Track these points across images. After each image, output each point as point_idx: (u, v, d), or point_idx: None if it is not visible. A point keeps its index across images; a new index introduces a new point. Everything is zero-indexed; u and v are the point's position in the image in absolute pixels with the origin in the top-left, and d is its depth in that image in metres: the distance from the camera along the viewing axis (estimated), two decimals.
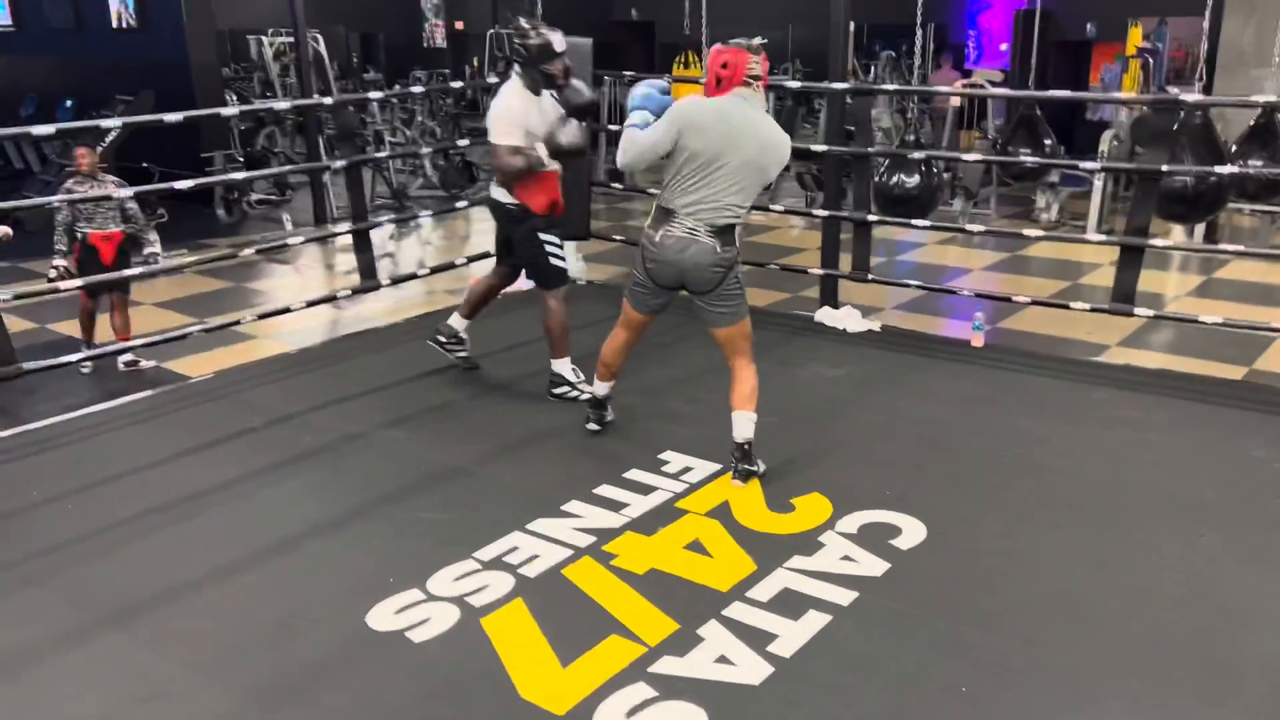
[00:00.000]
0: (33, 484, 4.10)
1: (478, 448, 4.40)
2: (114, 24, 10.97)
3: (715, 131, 3.76)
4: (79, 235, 5.58)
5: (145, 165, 8.54)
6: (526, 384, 5.12)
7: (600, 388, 4.46)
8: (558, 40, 4.57)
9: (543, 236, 4.78)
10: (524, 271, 5.10)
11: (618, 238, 7.59)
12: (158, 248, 5.79)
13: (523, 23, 4.66)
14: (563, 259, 4.89)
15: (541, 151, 4.61)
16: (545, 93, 4.65)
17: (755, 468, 4.04)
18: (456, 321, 5.25)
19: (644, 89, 4.02)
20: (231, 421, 4.69)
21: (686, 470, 4.16)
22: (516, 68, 4.65)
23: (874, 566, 3.42)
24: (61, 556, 3.56)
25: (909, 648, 3.01)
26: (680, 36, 8.15)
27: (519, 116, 4.57)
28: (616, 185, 9.40)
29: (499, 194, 4.76)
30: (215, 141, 10.23)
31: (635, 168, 3.99)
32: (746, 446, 4.02)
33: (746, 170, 3.82)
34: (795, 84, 6.56)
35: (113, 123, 5.16)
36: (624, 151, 3.93)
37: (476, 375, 5.30)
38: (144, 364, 5.72)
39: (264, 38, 15.01)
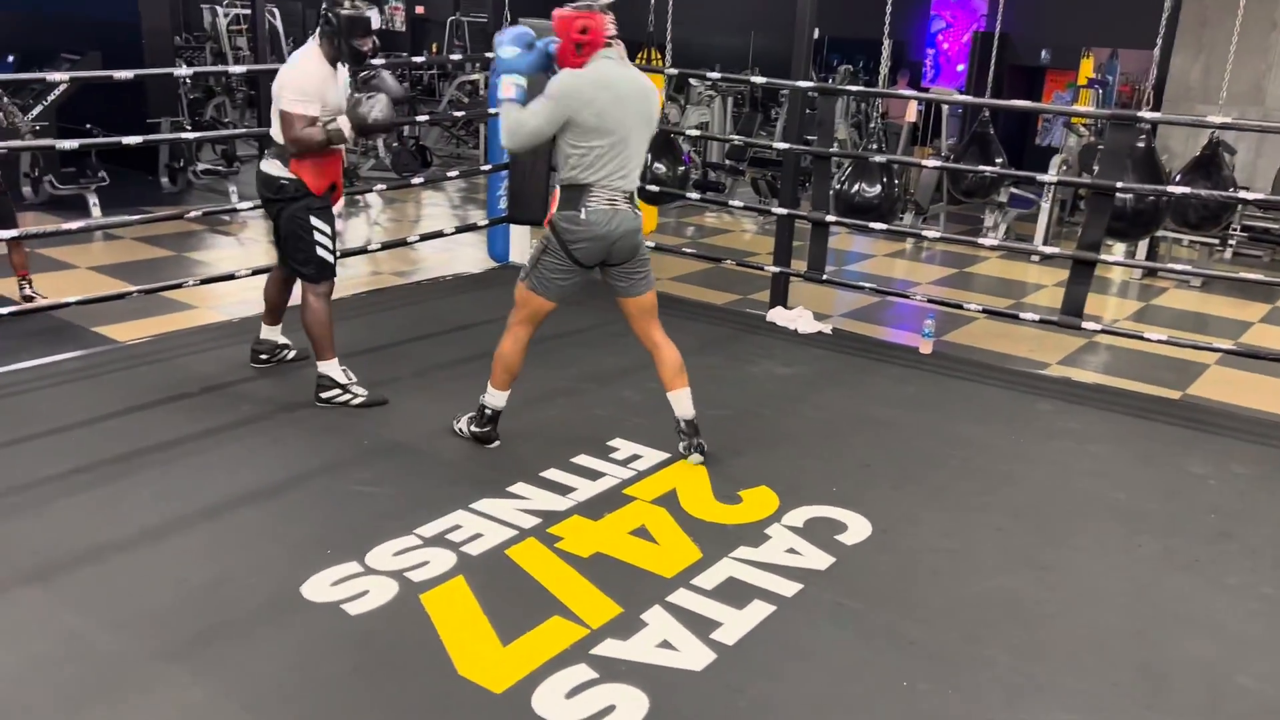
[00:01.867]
0: None
1: (422, 425, 4.32)
2: None
3: (605, 101, 3.67)
4: None
5: (89, 126, 8.26)
6: (473, 365, 5.04)
7: (501, 398, 4.10)
8: (374, 16, 4.25)
9: (314, 221, 4.34)
10: (286, 259, 4.54)
11: None
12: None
13: None
14: (332, 251, 4.43)
15: (344, 125, 4.20)
16: (341, 68, 4.34)
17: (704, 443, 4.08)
18: (267, 333, 4.88)
19: (510, 47, 3.74)
20: (167, 386, 4.55)
21: (635, 458, 4.12)
22: (316, 35, 4.27)
23: (819, 560, 3.42)
24: None
25: (851, 640, 3.00)
26: (642, 35, 8.12)
27: (316, 85, 4.20)
28: None
29: (271, 166, 4.31)
30: (163, 107, 9.95)
31: (521, 150, 3.86)
32: (695, 422, 4.06)
33: (640, 129, 3.81)
34: (760, 79, 6.55)
35: (59, 76, 4.97)
36: (510, 134, 3.70)
37: (420, 352, 5.21)
38: (39, 300, 5.68)
39: (218, 8, 14.68)
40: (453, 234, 7.08)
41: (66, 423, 4.14)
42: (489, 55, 6.60)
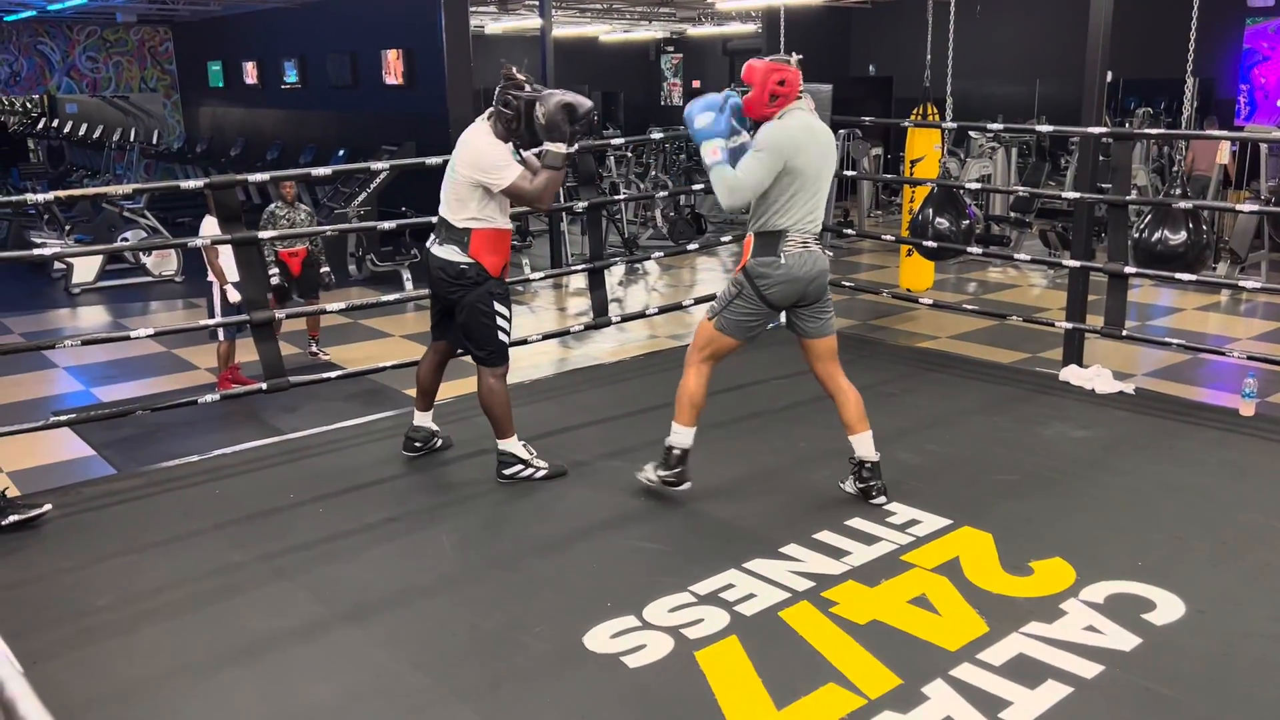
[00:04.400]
0: (290, 488, 4.43)
1: (696, 483, 4.38)
2: (386, 81, 11.97)
3: (812, 150, 3.86)
4: (274, 252, 6.62)
5: (404, 209, 9.19)
6: (747, 423, 5.08)
7: (690, 435, 4.13)
8: (583, 103, 4.13)
9: (496, 306, 4.27)
10: (459, 346, 4.49)
11: (846, 283, 7.46)
12: (327, 268, 6.91)
13: (513, 71, 4.16)
14: (509, 333, 4.38)
15: (553, 147, 4.07)
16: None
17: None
18: (421, 420, 4.74)
19: (704, 114, 3.86)
20: (467, 442, 4.90)
21: (913, 523, 3.97)
22: (491, 115, 4.17)
23: (1122, 640, 3.12)
24: (310, 554, 3.81)
25: None
26: (918, 90, 7.99)
27: (505, 150, 4.13)
28: (849, 231, 9.30)
29: (448, 252, 4.22)
30: None
31: (740, 208, 3.93)
32: (878, 462, 4.14)
33: (829, 174, 3.98)
34: (1046, 128, 6.24)
35: (379, 165, 5.59)
36: (732, 192, 3.80)
37: (702, 413, 5.31)
38: (322, 356, 6.74)
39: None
40: None
41: (382, 476, 4.56)
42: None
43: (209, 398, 4.94)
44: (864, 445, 4.13)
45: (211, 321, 5.64)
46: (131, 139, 15.72)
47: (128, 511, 4.27)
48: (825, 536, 3.85)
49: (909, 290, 7.78)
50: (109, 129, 15.63)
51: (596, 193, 6.72)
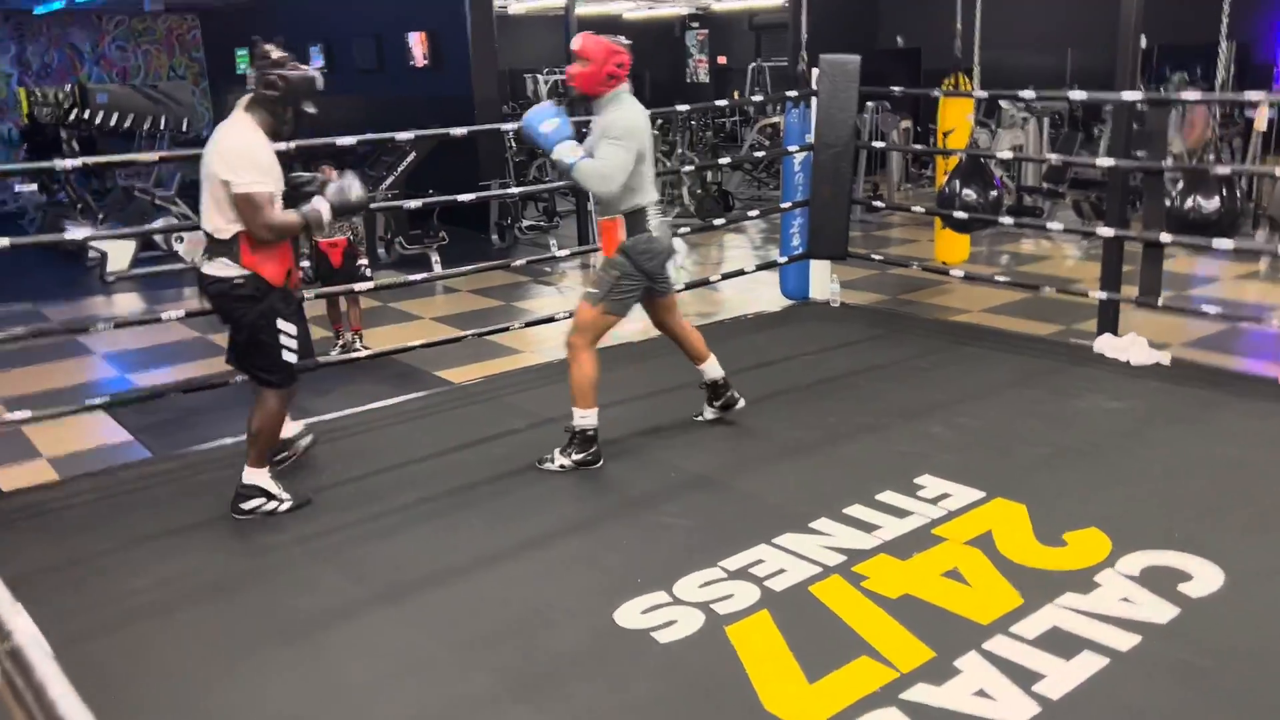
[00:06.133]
0: (323, 470, 4.47)
1: (726, 459, 4.38)
2: (413, 64, 11.97)
3: (647, 129, 4.18)
4: (312, 241, 6.40)
5: (430, 191, 9.21)
6: (775, 399, 5.06)
7: (595, 416, 4.30)
8: (319, 77, 3.83)
9: (280, 324, 3.79)
10: (235, 357, 3.97)
11: (876, 257, 7.40)
12: (365, 260, 6.51)
13: (271, 49, 3.74)
14: (295, 351, 3.89)
15: (322, 208, 3.77)
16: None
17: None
18: (252, 476, 3.99)
19: (550, 121, 4.07)
20: (497, 422, 4.93)
21: (944, 496, 3.94)
22: (246, 106, 3.72)
23: (1159, 611, 3.09)
24: (345, 536, 3.84)
25: (1201, 703, 2.68)
26: (948, 60, 7.87)
27: (270, 160, 3.68)
28: (879, 204, 9.21)
29: (217, 268, 3.70)
30: (492, 171, 10.91)
31: (615, 194, 4.08)
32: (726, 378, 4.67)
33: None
34: (1079, 94, 6.10)
35: (405, 135, 5.62)
36: (607, 179, 4.03)
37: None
38: (362, 352, 6.29)
39: (539, 75, 15.89)
40: (752, 272, 7.18)
41: (413, 456, 4.59)
42: (790, 94, 6.67)
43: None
44: (713, 368, 4.65)
45: None
46: (161, 127, 15.85)
47: (164, 494, 4.33)
48: (855, 511, 3.83)
49: (944, 263, 7.69)
50: (139, 118, 15.79)
51: None
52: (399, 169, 9.82)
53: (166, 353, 6.85)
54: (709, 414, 4.77)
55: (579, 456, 4.29)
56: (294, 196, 3.88)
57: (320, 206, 3.81)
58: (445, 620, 3.24)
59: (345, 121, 13.43)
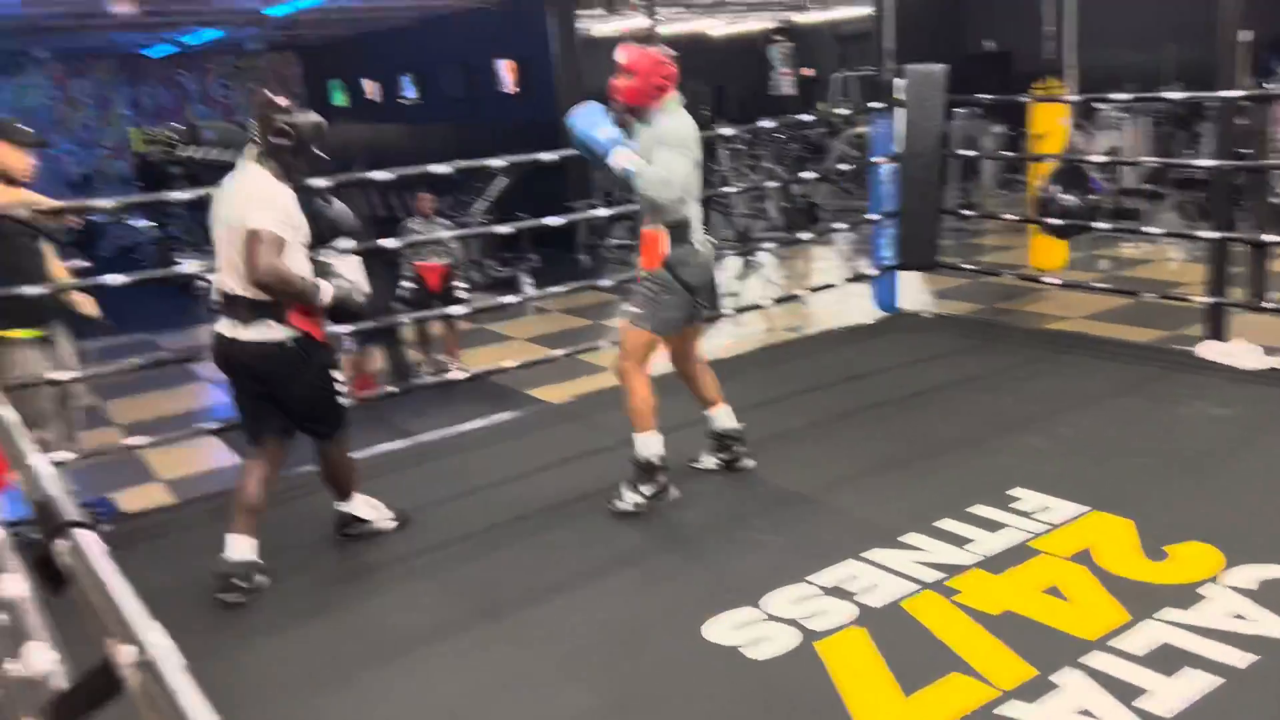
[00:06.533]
0: (420, 490, 4.59)
1: (814, 473, 4.36)
2: (500, 90, 12.25)
3: (698, 139, 3.99)
4: (411, 265, 6.77)
5: (519, 214, 9.40)
6: (866, 414, 5.02)
7: (659, 440, 4.03)
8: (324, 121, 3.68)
9: (335, 375, 3.73)
10: (295, 432, 3.78)
11: (967, 266, 7.27)
12: (464, 285, 6.91)
13: (273, 97, 3.61)
14: (345, 396, 3.84)
15: (326, 290, 3.56)
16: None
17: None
18: (235, 549, 3.67)
19: (602, 128, 3.94)
20: (586, 441, 4.99)
21: (1042, 509, 3.85)
22: (255, 157, 3.53)
23: (1278, 628, 2.97)
24: (443, 554, 3.95)
25: None
26: (1040, 63, 7.72)
27: (291, 211, 3.49)
28: (969, 212, 9.05)
29: (258, 332, 3.47)
30: (578, 193, 11.07)
31: (675, 201, 3.90)
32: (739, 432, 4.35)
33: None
34: (1175, 94, 5.93)
35: (497, 162, 5.77)
36: (666, 186, 3.84)
37: (812, 404, 5.25)
38: (458, 375, 6.39)
39: None
40: (842, 285, 7.14)
41: (508, 475, 4.68)
42: (875, 105, 6.62)
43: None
44: (726, 418, 4.35)
45: (343, 331, 5.88)
46: None
47: (272, 515, 4.48)
48: (948, 524, 3.77)
49: (1040, 269, 7.52)
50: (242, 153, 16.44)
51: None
52: (489, 193, 10.03)
53: None
54: (708, 463, 4.40)
55: (649, 491, 4.06)
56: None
57: (325, 289, 3.58)
58: (542, 636, 3.31)
59: (438, 149, 13.81)
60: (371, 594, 3.70)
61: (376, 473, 4.83)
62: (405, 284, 6.87)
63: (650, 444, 4.04)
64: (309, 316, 3.56)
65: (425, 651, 3.28)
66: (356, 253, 5.13)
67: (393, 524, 4.11)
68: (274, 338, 3.49)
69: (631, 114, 4.02)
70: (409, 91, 14.77)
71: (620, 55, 3.95)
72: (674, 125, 3.94)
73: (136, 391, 6.79)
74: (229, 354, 3.57)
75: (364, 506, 4.08)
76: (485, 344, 7.49)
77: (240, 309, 3.49)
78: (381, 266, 5.16)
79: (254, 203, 3.41)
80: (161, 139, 16.64)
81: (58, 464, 4.24)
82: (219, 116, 17.37)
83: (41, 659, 0.97)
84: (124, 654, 0.86)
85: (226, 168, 3.73)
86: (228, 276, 3.51)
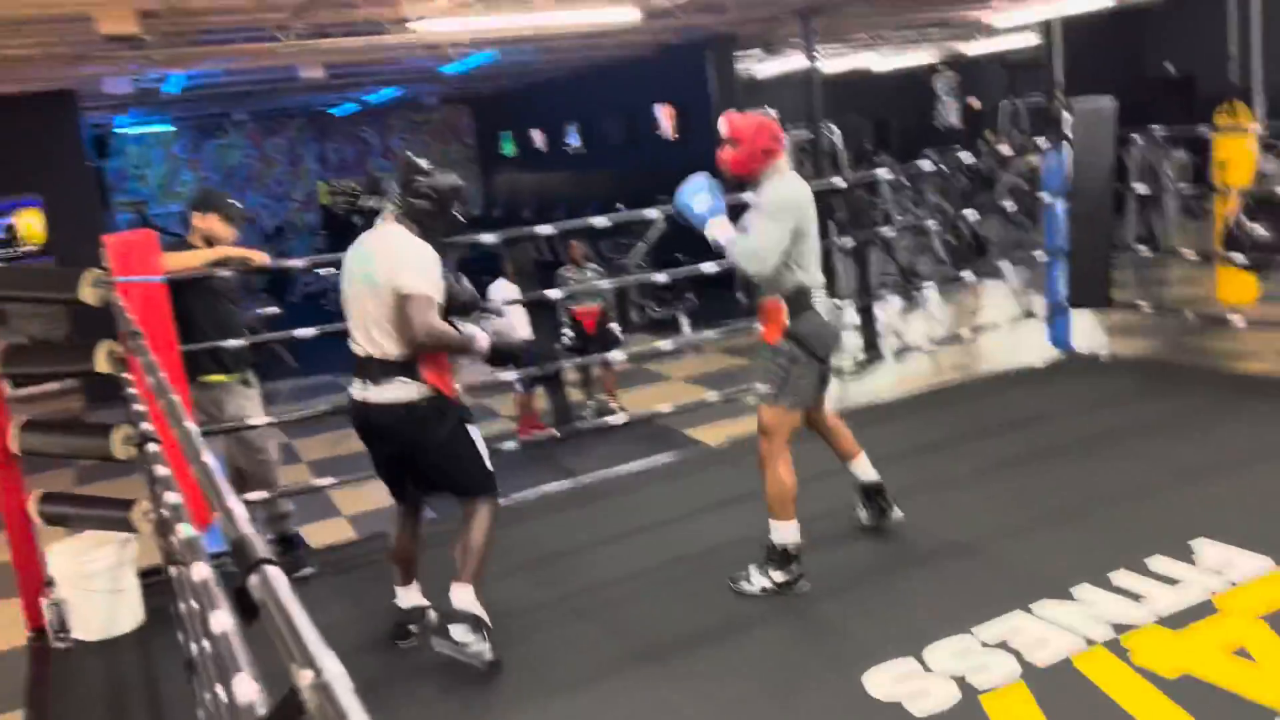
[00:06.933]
0: (582, 529, 4.74)
1: (979, 523, 4.25)
2: (660, 135, 12.52)
3: (811, 206, 3.84)
4: (568, 312, 7.05)
5: (677, 255, 9.56)
6: (1033, 464, 4.85)
7: (797, 529, 3.85)
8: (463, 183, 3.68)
9: (472, 431, 3.60)
10: (435, 493, 3.74)
11: (1142, 304, 6.92)
12: (618, 328, 7.18)
13: (415, 159, 3.61)
14: (488, 457, 3.70)
15: (481, 340, 3.58)
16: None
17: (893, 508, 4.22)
18: (409, 598, 3.86)
19: (699, 199, 3.90)
20: (743, 483, 5.01)
21: (1227, 564, 3.63)
22: (392, 218, 3.53)
23: None
24: (604, 595, 4.06)
25: None
26: (1225, 86, 7.31)
27: (436, 270, 3.47)
28: (1144, 250, 8.62)
29: (391, 392, 3.42)
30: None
31: (769, 273, 3.74)
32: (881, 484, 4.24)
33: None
34: None
35: (652, 213, 5.91)
36: (760, 260, 3.70)
37: (978, 450, 5.12)
38: (618, 415, 6.43)
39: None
40: (1012, 324, 6.93)
41: (667, 517, 4.76)
42: (1042, 141, 6.45)
43: (510, 445, 5.39)
44: (866, 470, 4.26)
45: (511, 375, 6.15)
46: None
47: (444, 553, 4.73)
48: (1122, 578, 3.61)
49: (1229, 305, 7.09)
50: None
51: (865, 229, 6.68)
52: (648, 236, 10.25)
53: None
54: (865, 518, 4.30)
55: (781, 578, 3.84)
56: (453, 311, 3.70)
57: (480, 337, 3.62)
58: (702, 680, 3.35)
59: (602, 195, 14.23)
60: (533, 631, 3.83)
61: (540, 513, 5.02)
62: (564, 330, 7.16)
63: (787, 532, 3.87)
64: (442, 373, 3.51)
65: (585, 692, 3.38)
66: (520, 302, 5.40)
67: (479, 665, 3.48)
68: (404, 397, 3.44)
69: (742, 182, 3.97)
70: (573, 139, 15.27)
71: (722, 125, 3.84)
72: (777, 192, 3.77)
73: (322, 430, 7.25)
74: (364, 416, 3.54)
75: (477, 605, 3.50)
76: (644, 384, 7.64)
77: (372, 369, 3.46)
78: (545, 313, 5.38)
79: (404, 264, 3.41)
80: (345, 191, 17.80)
81: (269, 500, 4.64)
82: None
83: (247, 689, 1.10)
84: (304, 677, 0.98)
85: None
86: (358, 334, 3.50)
